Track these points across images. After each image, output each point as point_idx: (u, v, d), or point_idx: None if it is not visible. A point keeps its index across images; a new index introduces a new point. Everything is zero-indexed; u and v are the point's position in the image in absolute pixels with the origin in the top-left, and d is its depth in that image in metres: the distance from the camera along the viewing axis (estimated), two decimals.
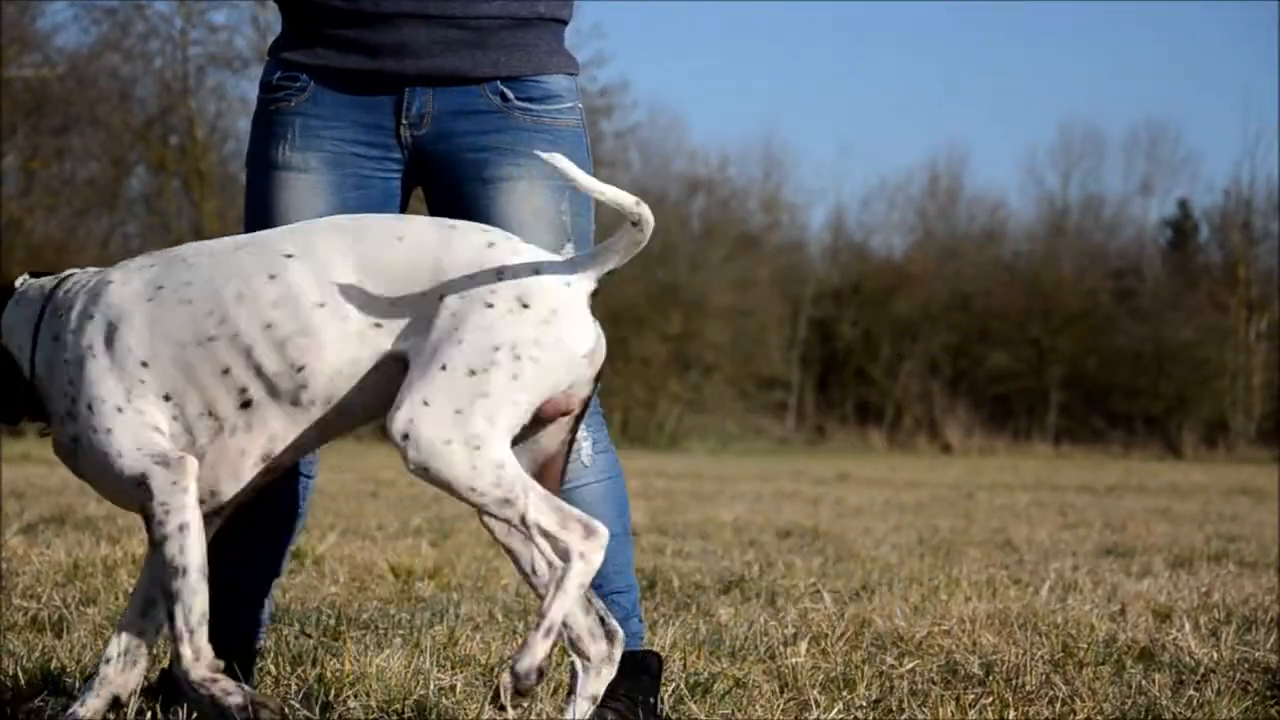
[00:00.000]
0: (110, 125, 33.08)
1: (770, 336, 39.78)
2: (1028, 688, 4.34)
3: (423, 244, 3.30)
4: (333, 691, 4.04)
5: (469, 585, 6.89)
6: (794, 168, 62.49)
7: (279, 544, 3.87)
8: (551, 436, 3.37)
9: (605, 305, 3.54)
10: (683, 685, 4.28)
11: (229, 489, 3.38)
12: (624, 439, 32.94)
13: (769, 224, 42.94)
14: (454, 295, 3.25)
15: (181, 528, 3.32)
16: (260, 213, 3.69)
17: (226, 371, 3.30)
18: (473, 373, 3.20)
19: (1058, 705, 4.12)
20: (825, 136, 65.25)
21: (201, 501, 3.36)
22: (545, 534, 3.22)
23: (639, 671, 3.75)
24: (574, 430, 3.40)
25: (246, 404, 3.32)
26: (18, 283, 3.53)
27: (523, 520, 3.21)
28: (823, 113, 64.07)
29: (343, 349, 3.28)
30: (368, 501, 13.13)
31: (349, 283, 3.27)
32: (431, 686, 4.13)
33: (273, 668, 4.42)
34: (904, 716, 4.03)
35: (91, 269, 3.52)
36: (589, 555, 3.21)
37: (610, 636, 3.45)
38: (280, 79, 3.70)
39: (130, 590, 5.91)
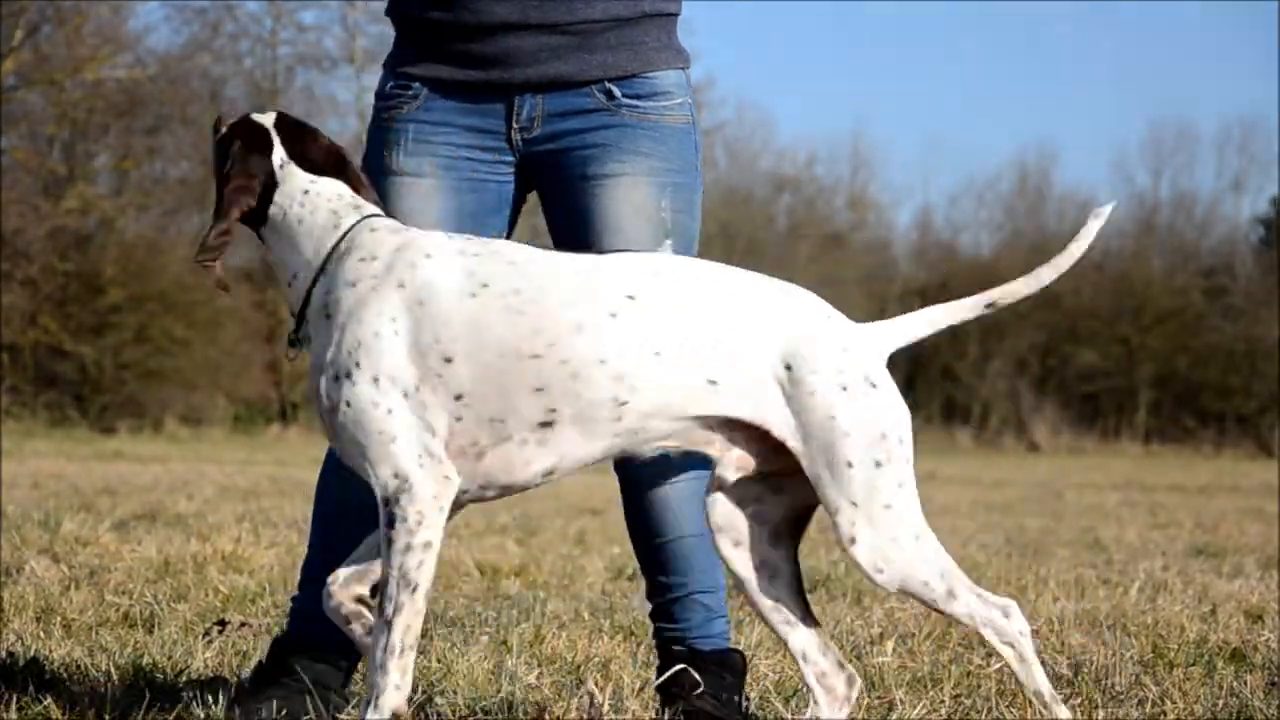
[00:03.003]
0: (201, 125, 33.36)
1: None
2: (1117, 688, 4.30)
3: (760, 305, 3.31)
4: (420, 689, 4.06)
5: (555, 583, 6.91)
6: (881, 166, 62.38)
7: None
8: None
9: None
10: (768, 684, 4.27)
11: (499, 487, 3.33)
12: None
13: (856, 222, 42.79)
14: (807, 371, 3.27)
15: (426, 545, 3.31)
16: None
17: (540, 390, 3.22)
18: (878, 464, 3.26)
19: (1147, 706, 4.09)
20: (913, 135, 65.03)
21: (465, 491, 3.31)
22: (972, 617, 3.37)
23: (723, 669, 3.75)
24: None
25: (549, 424, 3.24)
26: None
27: (954, 609, 3.39)
28: (910, 111, 63.83)
29: (667, 397, 3.24)
30: None
31: (685, 334, 3.24)
32: (518, 685, 4.14)
33: (360, 665, 4.44)
34: (991, 717, 4.00)
35: (387, 221, 3.38)
36: (1019, 618, 3.38)
37: (849, 680, 3.52)
38: (393, 88, 3.74)
39: (218, 587, 5.95)
